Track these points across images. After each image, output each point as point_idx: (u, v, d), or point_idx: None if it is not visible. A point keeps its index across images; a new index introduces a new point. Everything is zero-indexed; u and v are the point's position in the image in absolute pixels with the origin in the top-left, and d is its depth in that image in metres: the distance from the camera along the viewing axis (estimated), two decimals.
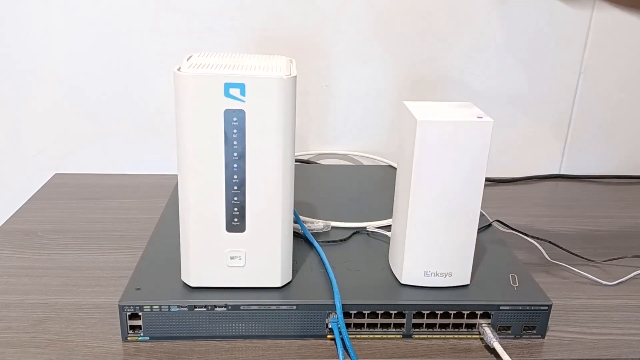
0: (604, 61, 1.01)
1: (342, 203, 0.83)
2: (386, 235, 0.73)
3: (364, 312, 0.60)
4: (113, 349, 0.58)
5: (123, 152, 1.01)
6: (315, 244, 0.69)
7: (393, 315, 0.60)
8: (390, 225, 0.70)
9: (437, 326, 0.61)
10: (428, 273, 0.62)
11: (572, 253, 0.78)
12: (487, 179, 1.01)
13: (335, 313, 0.59)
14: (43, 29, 0.93)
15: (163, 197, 0.91)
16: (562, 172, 1.08)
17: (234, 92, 0.54)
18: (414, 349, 0.60)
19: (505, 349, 0.58)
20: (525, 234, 0.78)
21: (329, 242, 0.71)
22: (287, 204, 0.59)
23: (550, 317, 0.61)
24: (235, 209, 0.58)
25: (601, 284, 0.72)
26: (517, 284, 0.63)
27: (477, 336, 0.61)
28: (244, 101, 0.54)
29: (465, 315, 0.61)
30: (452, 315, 0.61)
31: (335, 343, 0.59)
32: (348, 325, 0.60)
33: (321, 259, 0.66)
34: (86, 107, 0.98)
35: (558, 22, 0.98)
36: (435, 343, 0.61)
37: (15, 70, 0.95)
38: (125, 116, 0.99)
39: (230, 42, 0.96)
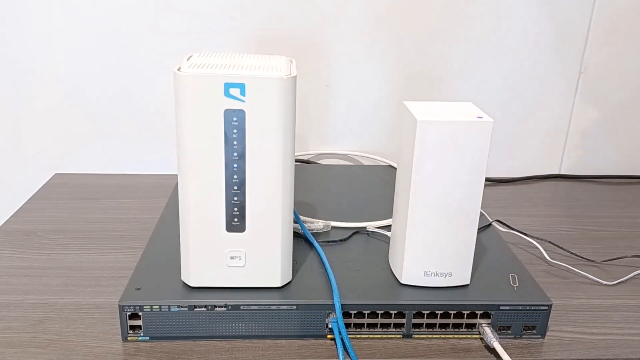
0: (604, 61, 1.01)
1: (342, 203, 0.83)
2: (386, 235, 0.73)
3: (364, 312, 0.60)
4: (113, 349, 0.58)
5: (123, 152, 1.01)
6: (315, 244, 0.69)
7: (393, 315, 0.60)
8: (390, 225, 0.70)
9: (437, 326, 0.61)
10: (428, 273, 0.62)
11: (572, 253, 0.78)
12: (487, 179, 1.01)
13: (335, 313, 0.59)
14: (43, 29, 0.93)
15: (163, 197, 0.91)
16: (562, 172, 1.08)
17: (234, 92, 0.54)
18: (414, 349, 0.60)
19: (505, 349, 0.58)
20: (525, 234, 0.78)
21: (329, 242, 0.71)
22: (287, 204, 0.59)
23: (550, 317, 0.61)
24: (235, 209, 0.58)
25: (601, 284, 0.72)
26: (517, 284, 0.63)
27: (477, 336, 0.61)
28: (244, 101, 0.54)
29: (465, 315, 0.61)
30: (452, 315, 0.61)
31: (335, 343, 0.59)
32: (348, 325, 0.60)
33: (321, 259, 0.66)
34: (86, 107, 0.98)
35: (558, 22, 0.98)
36: (435, 343, 0.61)
37: (15, 70, 0.95)
38: (125, 116, 0.99)
39: (230, 42, 0.96)
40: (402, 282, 0.62)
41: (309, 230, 0.73)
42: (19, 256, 0.74)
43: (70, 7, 0.92)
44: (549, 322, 0.61)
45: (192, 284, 0.60)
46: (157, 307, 0.58)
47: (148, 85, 0.97)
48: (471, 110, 0.60)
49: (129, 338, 0.59)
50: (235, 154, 0.56)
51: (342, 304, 0.59)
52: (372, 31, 0.97)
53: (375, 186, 0.90)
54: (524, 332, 0.61)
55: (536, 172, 1.07)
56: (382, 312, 0.60)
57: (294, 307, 0.59)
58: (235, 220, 0.58)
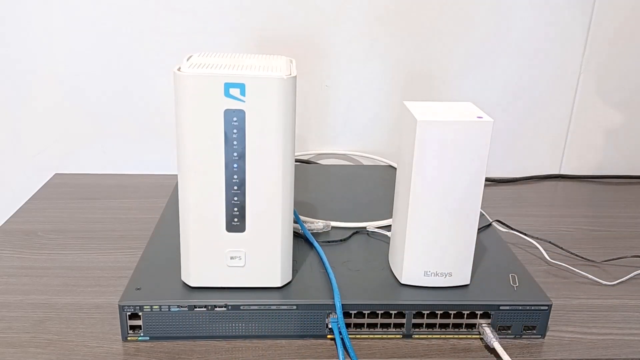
0: (604, 61, 1.01)
1: (342, 203, 0.83)
2: (386, 235, 0.73)
3: (364, 312, 0.60)
4: (113, 349, 0.58)
5: (123, 152, 1.01)
6: (315, 244, 0.69)
7: (393, 315, 0.60)
8: (390, 225, 0.70)
9: (437, 326, 0.61)
10: (428, 273, 0.62)
11: (572, 253, 0.78)
12: (487, 179, 1.01)
13: (335, 313, 0.59)
14: (43, 29, 0.93)
15: (163, 197, 0.91)
16: (562, 172, 1.08)
17: (234, 92, 0.54)
18: (414, 349, 0.60)
19: (505, 349, 0.58)
20: (525, 234, 0.78)
21: (329, 242, 0.71)
22: (287, 204, 0.59)
23: (550, 317, 0.61)
24: (235, 209, 0.58)
25: (601, 284, 0.72)
26: (517, 284, 0.63)
27: (477, 336, 0.61)
28: (244, 101, 0.54)
29: (465, 315, 0.61)
30: (452, 315, 0.61)
31: (335, 343, 0.59)
32: (348, 325, 0.60)
33: (321, 259, 0.66)
34: (86, 107, 0.98)
35: (558, 22, 0.98)
36: (435, 343, 0.61)
37: (15, 70, 0.95)
38: (125, 116, 0.99)
39: (230, 42, 0.96)
40: (402, 282, 0.62)
41: (309, 230, 0.73)
42: (19, 256, 0.74)
43: (70, 7, 0.92)
44: (549, 322, 0.61)
45: (192, 284, 0.60)
46: (157, 307, 0.58)
47: (148, 85, 0.97)
48: (471, 110, 0.60)
49: (129, 338, 0.59)
50: (235, 154, 0.56)
51: (342, 304, 0.59)
52: (372, 31, 0.97)
53: (375, 186, 0.90)
54: (524, 332, 0.61)
55: (536, 172, 1.07)
56: (382, 312, 0.60)
57: (294, 307, 0.59)
58: (235, 220, 0.58)
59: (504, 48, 0.99)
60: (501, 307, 0.60)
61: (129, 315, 0.58)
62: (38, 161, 1.01)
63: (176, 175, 0.70)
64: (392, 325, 0.61)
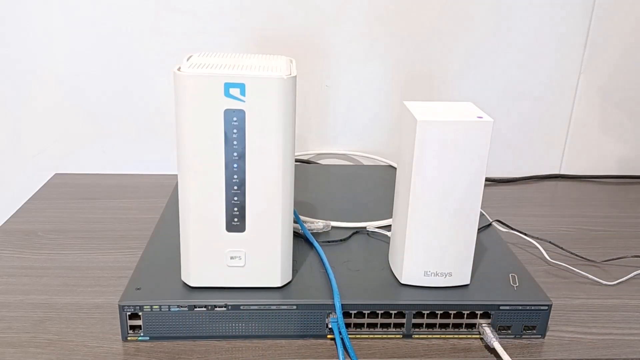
0: (604, 61, 1.01)
1: (342, 203, 0.83)
2: (386, 235, 0.73)
3: (364, 312, 0.60)
4: (113, 349, 0.58)
5: (123, 152, 1.01)
6: (315, 244, 0.69)
7: (393, 315, 0.60)
8: (390, 225, 0.70)
9: (437, 326, 0.61)
10: (428, 273, 0.62)
11: (572, 253, 0.78)
12: (487, 179, 1.01)
13: (335, 313, 0.59)
14: (43, 29, 0.93)
15: (163, 197, 0.91)
16: (562, 172, 1.08)
17: (234, 92, 0.54)
18: (414, 349, 0.60)
19: (505, 349, 0.58)
20: (525, 234, 0.78)
21: (329, 242, 0.71)
22: (287, 204, 0.59)
23: (550, 317, 0.61)
24: (235, 209, 0.58)
25: (601, 284, 0.72)
26: (517, 284, 0.63)
27: (477, 336, 0.61)
28: (244, 101, 0.54)
29: (465, 315, 0.61)
30: (452, 315, 0.61)
31: (335, 343, 0.59)
32: (348, 325, 0.60)
33: (321, 259, 0.66)
34: (86, 107, 0.98)
35: (558, 22, 0.98)
36: (435, 343, 0.61)
37: (15, 70, 0.95)
38: (125, 116, 0.99)
39: (230, 42, 0.96)
40: (402, 282, 0.62)
41: (309, 230, 0.73)
42: (19, 256, 0.74)
43: (70, 7, 0.92)
44: (549, 322, 0.61)
45: (192, 284, 0.60)
46: (157, 307, 0.58)
47: (148, 85, 0.97)
48: (471, 110, 0.60)
49: (129, 338, 0.59)
50: (235, 154, 0.56)
51: (342, 304, 0.59)
52: (372, 31, 0.97)
53: (375, 186, 0.90)
54: (524, 332, 0.61)
55: (536, 172, 1.07)
56: (382, 312, 0.60)
57: (294, 307, 0.59)
58: (235, 220, 0.58)
59: (504, 48, 0.99)
60: (501, 307, 0.60)
61: (129, 315, 0.58)
62: (38, 161, 1.01)
63: (176, 175, 0.70)
64: (392, 325, 0.61)
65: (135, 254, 0.74)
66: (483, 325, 0.60)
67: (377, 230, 0.74)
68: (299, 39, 0.97)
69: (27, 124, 0.98)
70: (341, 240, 0.72)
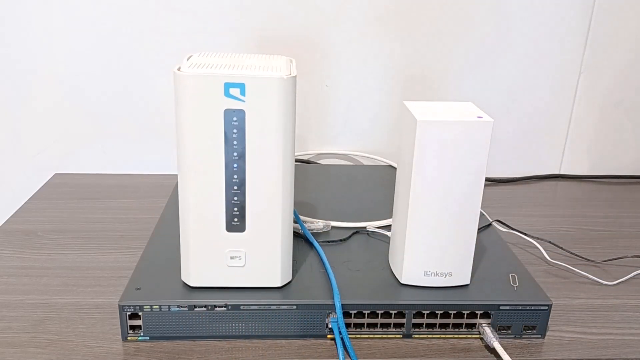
0: (604, 61, 1.01)
1: (342, 203, 0.83)
2: (386, 235, 0.73)
3: (364, 312, 0.60)
4: (113, 349, 0.58)
5: (123, 152, 1.01)
6: (315, 244, 0.69)
7: (393, 315, 0.60)
8: (390, 225, 0.70)
9: (437, 326, 0.61)
10: (428, 273, 0.62)
11: (572, 253, 0.78)
12: (487, 179, 1.01)
13: (335, 313, 0.59)
14: (43, 29, 0.93)
15: (163, 197, 0.91)
16: (562, 172, 1.08)
17: (234, 92, 0.54)
18: (414, 349, 0.60)
19: (505, 349, 0.58)
20: (525, 234, 0.78)
21: (329, 242, 0.71)
22: (287, 204, 0.59)
23: (550, 317, 0.61)
24: (235, 209, 0.58)
25: (601, 284, 0.72)
26: (517, 284, 0.63)
27: (477, 336, 0.61)
28: (244, 101, 0.54)
29: (465, 315, 0.61)
30: (452, 315, 0.61)
31: (335, 343, 0.59)
32: (348, 325, 0.60)
33: (321, 259, 0.66)
34: (86, 107, 0.98)
35: (558, 22, 0.98)
36: (435, 343, 0.61)
37: (15, 70, 0.95)
38: (125, 116, 0.99)
39: (230, 42, 0.96)
40: (402, 282, 0.62)
41: (309, 230, 0.73)
42: (19, 256, 0.74)
43: (70, 7, 0.92)
44: (549, 322, 0.61)
45: (192, 284, 0.60)
46: (157, 307, 0.58)
47: (148, 85, 0.97)
48: (471, 110, 0.60)
49: (129, 338, 0.59)
50: (235, 154, 0.56)
51: (342, 304, 0.59)
52: (372, 31, 0.97)
53: (375, 186, 0.90)
54: (524, 332, 0.61)
55: (536, 172, 1.07)
56: (382, 312, 0.60)
57: (294, 307, 0.59)
58: (235, 220, 0.58)
59: (504, 48, 0.99)
60: (501, 307, 0.60)
61: (129, 315, 0.58)
62: (38, 161, 1.01)
63: (176, 175, 0.70)
64: (392, 325, 0.61)
65: (135, 254, 0.74)
66: (483, 325, 0.60)
67: (377, 230, 0.74)
68: (299, 39, 0.97)
69: (27, 124, 0.98)
70: (341, 240, 0.72)
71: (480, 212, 0.76)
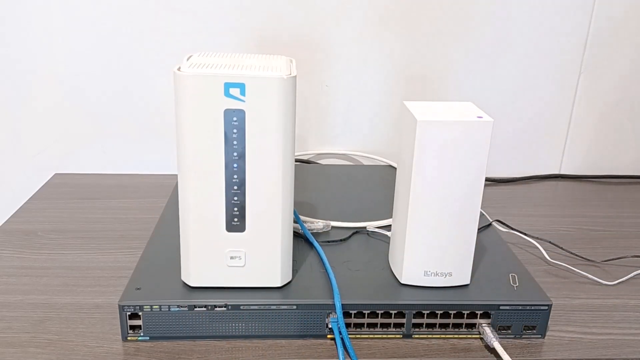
0: (604, 61, 1.01)
1: (342, 203, 0.83)
2: (386, 235, 0.73)
3: (364, 312, 0.60)
4: (113, 349, 0.58)
5: (123, 152, 1.01)
6: (315, 244, 0.69)
7: (393, 315, 0.60)
8: (390, 225, 0.70)
9: (437, 326, 0.61)
10: (428, 273, 0.62)
11: (572, 253, 0.78)
12: (487, 179, 1.01)
13: (335, 313, 0.59)
14: (43, 29, 0.93)
15: (163, 197, 0.91)
16: (562, 172, 1.08)
17: (234, 92, 0.54)
18: (414, 348, 0.60)
19: (505, 349, 0.58)
20: (525, 234, 0.78)
21: (329, 242, 0.71)
22: (287, 204, 0.59)
23: (550, 317, 0.61)
24: (235, 209, 0.58)
25: (601, 284, 0.72)
26: (517, 284, 0.63)
27: (477, 336, 0.61)
28: (244, 101, 0.54)
29: (465, 315, 0.61)
30: (452, 315, 0.61)
31: (335, 343, 0.59)
32: (348, 325, 0.60)
33: (321, 259, 0.66)
34: (86, 107, 0.98)
35: (558, 22, 0.98)
36: (435, 343, 0.61)
37: (15, 70, 0.95)
38: (125, 116, 0.99)
39: (230, 42, 0.96)
40: (402, 282, 0.62)
41: (309, 230, 0.73)
42: (19, 256, 0.74)
43: (70, 7, 0.92)
44: (549, 322, 0.61)
45: (192, 284, 0.60)
46: (157, 307, 0.58)
47: (148, 85, 0.97)
48: (471, 110, 0.60)
49: (129, 338, 0.59)
50: (235, 154, 0.56)
51: (342, 304, 0.59)
52: (372, 31, 0.97)
53: (375, 186, 0.90)
54: (524, 332, 0.61)
55: (536, 172, 1.07)
56: (382, 312, 0.60)
57: (294, 307, 0.59)
58: (235, 220, 0.58)
59: (504, 48, 0.99)
60: (501, 307, 0.60)
61: (129, 315, 0.58)
62: (38, 161, 1.01)
63: (176, 175, 0.70)
64: (392, 325, 0.61)
65: (135, 254, 0.74)
66: (483, 325, 0.60)
67: (377, 230, 0.74)
68: (299, 39, 0.97)
69: (27, 124, 0.98)
70: (341, 240, 0.72)
71: (480, 212, 0.76)
